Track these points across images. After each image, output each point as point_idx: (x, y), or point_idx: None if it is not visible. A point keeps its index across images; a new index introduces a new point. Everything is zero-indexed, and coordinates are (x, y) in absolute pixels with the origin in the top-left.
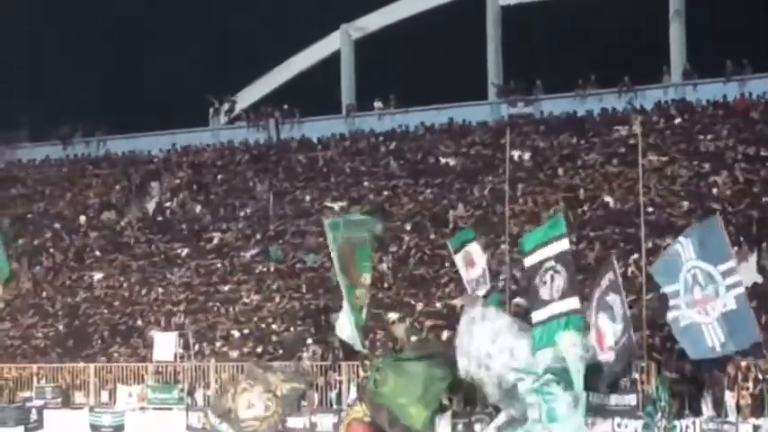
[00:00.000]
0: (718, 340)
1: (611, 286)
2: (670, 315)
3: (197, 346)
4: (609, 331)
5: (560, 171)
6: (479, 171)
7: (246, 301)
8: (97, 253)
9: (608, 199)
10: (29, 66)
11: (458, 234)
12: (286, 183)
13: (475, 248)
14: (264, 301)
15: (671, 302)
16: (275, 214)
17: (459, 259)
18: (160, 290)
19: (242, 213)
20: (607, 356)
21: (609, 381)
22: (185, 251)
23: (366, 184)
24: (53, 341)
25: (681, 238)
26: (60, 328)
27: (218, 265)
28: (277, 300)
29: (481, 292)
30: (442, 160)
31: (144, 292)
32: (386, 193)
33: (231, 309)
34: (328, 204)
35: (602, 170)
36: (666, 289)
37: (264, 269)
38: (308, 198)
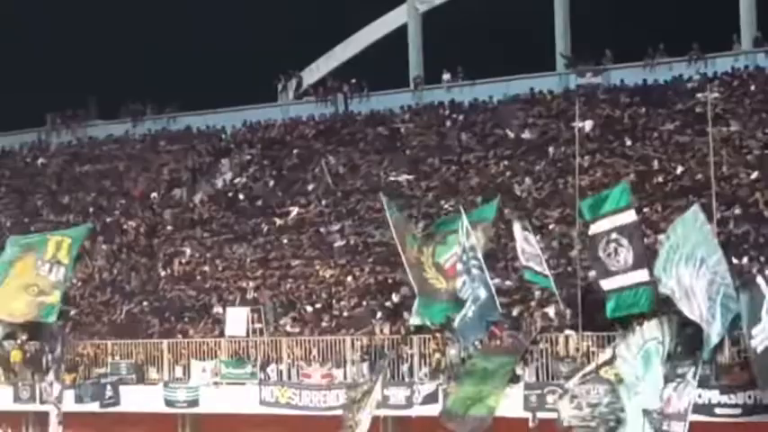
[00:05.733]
0: None
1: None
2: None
3: (270, 321)
4: None
5: (629, 141)
6: (549, 142)
7: (319, 276)
8: (169, 229)
9: (679, 170)
10: (98, 42)
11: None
12: (357, 156)
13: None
14: (337, 276)
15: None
16: (343, 190)
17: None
18: (232, 266)
19: (309, 188)
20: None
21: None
22: (256, 227)
23: (435, 157)
24: (127, 318)
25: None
26: (135, 304)
27: (290, 241)
28: (349, 275)
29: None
30: (511, 133)
31: (216, 268)
32: (454, 167)
33: (304, 284)
34: (392, 178)
35: (674, 140)
36: (754, 331)
37: (337, 244)
38: (381, 173)
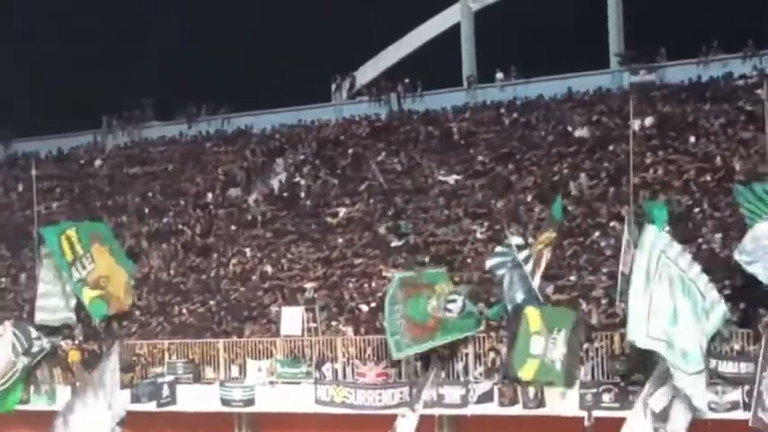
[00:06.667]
0: None
1: None
2: None
3: (325, 321)
4: None
5: (692, 138)
6: (605, 141)
7: (374, 274)
8: (225, 229)
9: (737, 167)
10: (154, 45)
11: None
12: (413, 156)
13: None
14: (393, 275)
15: None
16: (392, 189)
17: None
18: (289, 265)
19: (362, 187)
20: None
21: None
22: (311, 227)
23: (489, 156)
24: (187, 318)
25: None
26: (192, 305)
27: (344, 240)
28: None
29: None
30: (566, 131)
31: (273, 268)
32: (510, 165)
33: (359, 283)
34: (442, 178)
35: (732, 137)
36: None
37: (393, 244)
38: (434, 171)
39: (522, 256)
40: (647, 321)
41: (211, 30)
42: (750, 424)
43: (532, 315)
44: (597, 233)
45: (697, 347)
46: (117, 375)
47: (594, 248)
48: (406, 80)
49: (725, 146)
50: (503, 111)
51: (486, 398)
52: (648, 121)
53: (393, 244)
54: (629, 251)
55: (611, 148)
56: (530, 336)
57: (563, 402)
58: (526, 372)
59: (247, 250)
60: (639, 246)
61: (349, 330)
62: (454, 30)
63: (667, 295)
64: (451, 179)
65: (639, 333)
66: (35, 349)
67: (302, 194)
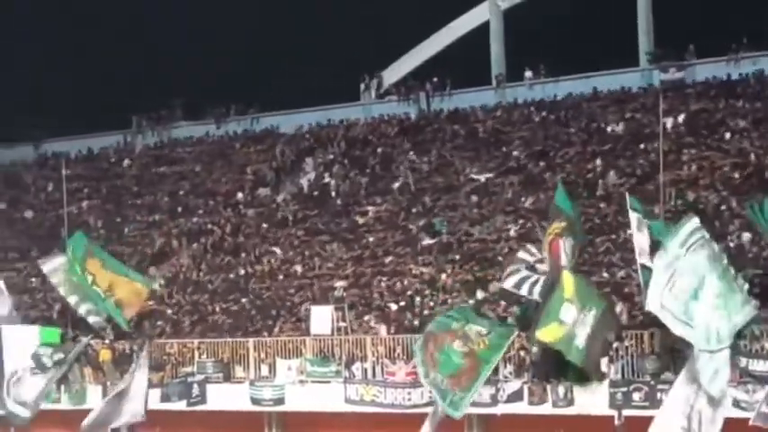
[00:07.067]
0: None
1: None
2: None
3: (354, 320)
4: None
5: (726, 136)
6: (637, 138)
7: (405, 273)
8: (262, 226)
9: None
10: (183, 44)
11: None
12: (443, 154)
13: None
14: (422, 273)
15: None
16: (422, 188)
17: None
18: (320, 263)
19: (392, 186)
20: None
21: None
22: (341, 225)
23: (519, 154)
24: (219, 317)
25: None
26: (225, 303)
27: (375, 239)
28: (442, 273)
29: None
30: (598, 128)
31: (302, 267)
32: (542, 163)
33: (390, 281)
34: (474, 176)
35: (765, 134)
36: None
37: (426, 242)
38: (466, 170)
39: (523, 290)
40: (664, 292)
41: (242, 30)
42: (751, 422)
43: (567, 280)
44: (630, 230)
45: (713, 328)
46: (141, 375)
47: (627, 246)
48: (435, 79)
49: (758, 143)
50: (533, 110)
51: (515, 397)
52: (680, 118)
53: (424, 242)
54: (642, 234)
55: (642, 146)
56: (562, 301)
57: (593, 401)
58: (547, 333)
59: (277, 249)
60: (676, 231)
61: (380, 329)
62: (483, 28)
63: (691, 271)
64: (482, 177)
65: (655, 302)
66: (62, 356)
67: (332, 194)
